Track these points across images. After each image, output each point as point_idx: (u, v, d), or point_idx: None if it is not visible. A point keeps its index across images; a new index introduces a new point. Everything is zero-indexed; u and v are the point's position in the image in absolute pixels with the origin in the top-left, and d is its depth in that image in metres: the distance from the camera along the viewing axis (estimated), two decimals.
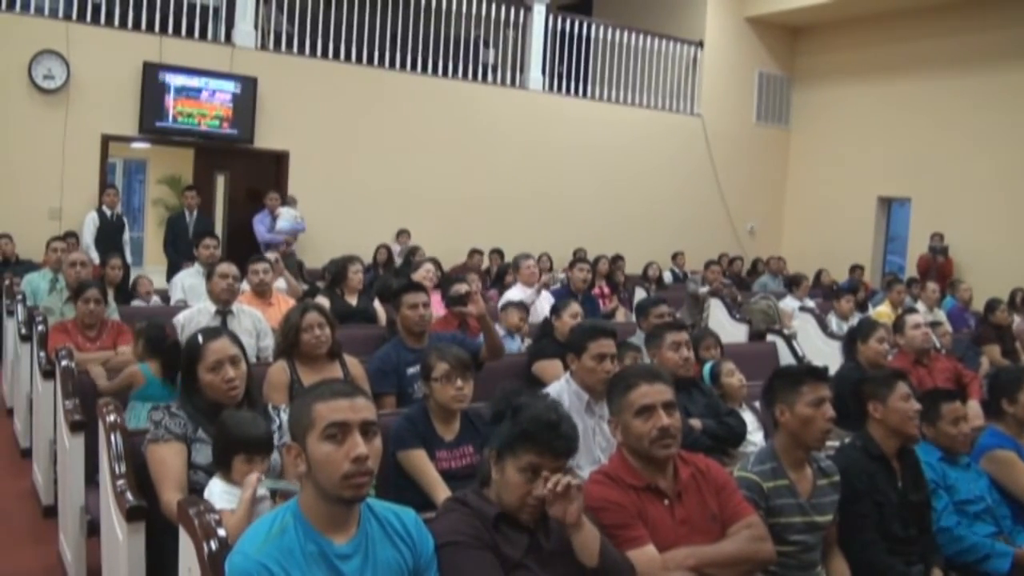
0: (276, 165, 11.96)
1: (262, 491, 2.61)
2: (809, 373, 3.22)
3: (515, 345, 6.23)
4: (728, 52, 15.75)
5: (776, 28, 16.24)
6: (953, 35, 13.97)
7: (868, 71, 15.24)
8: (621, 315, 9.38)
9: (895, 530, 3.36)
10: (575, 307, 5.72)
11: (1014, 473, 3.93)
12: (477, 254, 12.15)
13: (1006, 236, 13.19)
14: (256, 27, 11.65)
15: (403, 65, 12.67)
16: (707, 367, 5.01)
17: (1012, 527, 3.83)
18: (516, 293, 7.65)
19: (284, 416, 3.35)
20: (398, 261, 11.26)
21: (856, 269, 13.57)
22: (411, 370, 4.65)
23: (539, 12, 13.74)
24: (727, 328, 9.00)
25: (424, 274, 7.11)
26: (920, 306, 9.46)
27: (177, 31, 11.05)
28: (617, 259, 12.14)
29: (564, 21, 14.23)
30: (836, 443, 3.64)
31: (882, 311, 9.34)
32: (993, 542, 3.63)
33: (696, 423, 4.28)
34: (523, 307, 6.68)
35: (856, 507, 3.28)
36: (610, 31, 14.62)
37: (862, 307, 10.34)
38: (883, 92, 15.01)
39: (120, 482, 3.18)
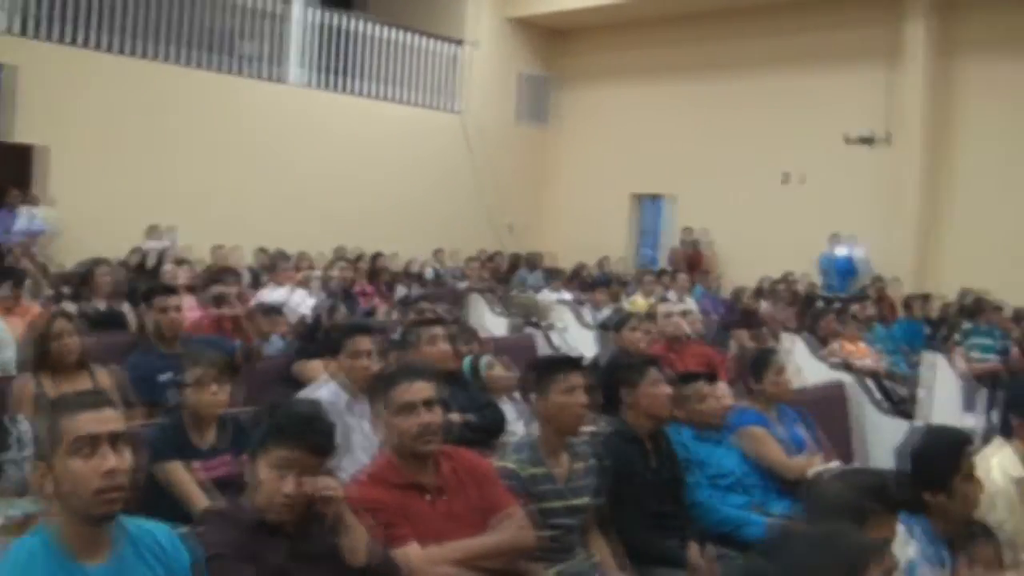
0: (22, 160, 11.06)
1: None
2: (562, 362, 3.35)
3: (275, 347, 6.10)
4: (490, 51, 15.98)
5: (538, 29, 16.63)
6: (710, 42, 14.72)
7: (627, 74, 15.81)
8: (382, 312, 9.35)
9: (653, 506, 3.54)
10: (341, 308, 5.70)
11: (763, 448, 4.22)
12: (219, 248, 11.72)
13: (755, 229, 13.95)
14: (5, 9, 10.75)
15: (156, 55, 12.10)
16: (466, 361, 5.08)
17: (764, 497, 4.09)
18: (270, 293, 7.57)
19: (22, 427, 3.15)
20: (151, 263, 10.70)
21: (603, 261, 14.17)
22: (163, 377, 4.44)
23: (298, 4, 13.48)
24: (488, 322, 9.13)
25: (188, 274, 6.89)
26: (672, 295, 9.98)
27: None
28: (378, 256, 12.10)
29: (324, 14, 14.00)
30: (593, 428, 3.78)
31: (637, 301, 9.79)
32: (747, 513, 3.89)
33: (456, 417, 4.33)
34: (278, 312, 6.52)
35: (616, 488, 3.43)
36: (372, 26, 14.54)
37: (616, 298, 10.79)
38: (640, 94, 15.64)
39: None
